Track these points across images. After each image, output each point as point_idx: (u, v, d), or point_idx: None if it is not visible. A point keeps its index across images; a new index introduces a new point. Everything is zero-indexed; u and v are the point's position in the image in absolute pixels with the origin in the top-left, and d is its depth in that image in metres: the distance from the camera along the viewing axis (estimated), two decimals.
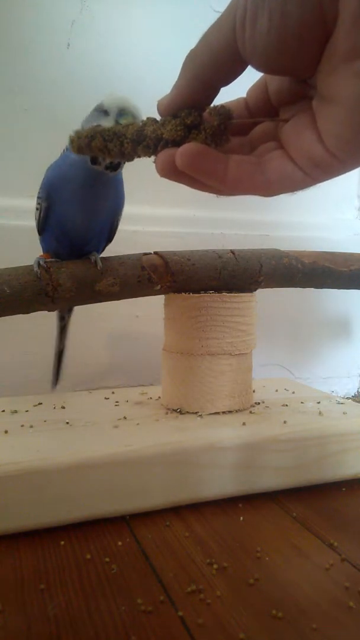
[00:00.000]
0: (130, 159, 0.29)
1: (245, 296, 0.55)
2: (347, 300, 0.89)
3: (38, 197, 0.53)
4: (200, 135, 0.26)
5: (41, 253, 0.54)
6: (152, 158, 0.28)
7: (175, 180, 0.27)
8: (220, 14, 0.24)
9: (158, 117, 0.28)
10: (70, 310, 0.62)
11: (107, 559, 0.39)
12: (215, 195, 0.28)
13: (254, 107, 0.29)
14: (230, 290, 0.56)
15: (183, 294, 0.55)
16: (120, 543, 0.41)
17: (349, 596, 0.35)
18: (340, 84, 0.22)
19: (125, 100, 0.46)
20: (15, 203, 0.68)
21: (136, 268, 0.53)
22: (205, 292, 0.55)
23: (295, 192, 0.27)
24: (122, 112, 0.45)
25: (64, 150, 0.51)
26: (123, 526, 0.44)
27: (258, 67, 0.24)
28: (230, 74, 0.25)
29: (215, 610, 0.34)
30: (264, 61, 0.23)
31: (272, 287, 0.60)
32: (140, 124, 0.28)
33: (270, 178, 0.26)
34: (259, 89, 0.29)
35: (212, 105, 0.27)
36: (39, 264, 0.50)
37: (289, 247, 0.61)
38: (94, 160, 0.47)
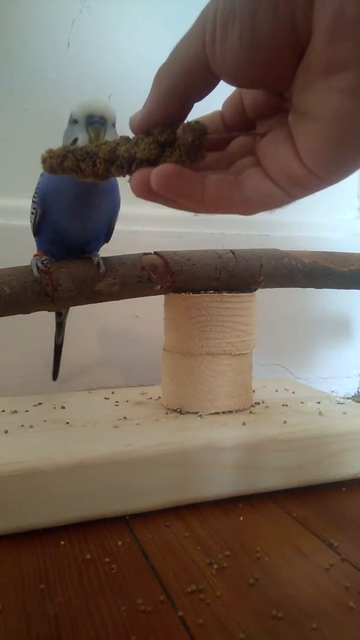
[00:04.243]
0: (104, 178, 0.28)
1: (245, 296, 0.55)
2: (347, 300, 0.89)
3: (33, 202, 0.52)
4: (174, 153, 0.26)
5: (36, 252, 0.54)
6: (128, 177, 0.27)
7: (152, 201, 0.26)
8: (191, 26, 0.23)
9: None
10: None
11: (107, 559, 0.39)
12: (193, 214, 0.28)
13: (230, 121, 0.28)
14: (230, 290, 0.56)
15: (183, 294, 0.55)
16: (120, 543, 0.41)
17: (349, 596, 0.35)
18: (316, 100, 0.21)
19: (91, 105, 0.45)
20: (15, 203, 0.68)
21: (136, 268, 0.53)
22: (205, 292, 0.55)
23: (274, 209, 0.26)
24: (90, 119, 0.44)
25: None
26: (123, 526, 0.44)
27: (230, 82, 0.24)
28: (203, 89, 0.24)
29: (215, 610, 0.34)
30: (235, 76, 0.23)
31: (272, 287, 0.60)
32: (114, 143, 0.27)
33: (249, 197, 0.25)
34: (235, 101, 0.28)
35: (186, 121, 0.26)
36: (37, 267, 0.50)
37: (289, 247, 0.61)
38: None
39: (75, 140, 0.45)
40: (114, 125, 0.46)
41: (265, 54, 0.21)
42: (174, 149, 0.26)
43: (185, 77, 0.24)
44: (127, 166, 0.27)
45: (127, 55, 0.75)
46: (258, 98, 0.26)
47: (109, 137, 0.45)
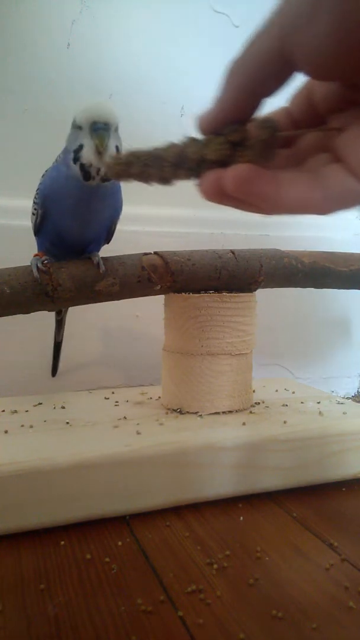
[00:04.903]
0: (170, 183, 0.27)
1: (245, 296, 0.55)
2: (347, 300, 0.89)
3: (34, 202, 0.52)
4: (246, 153, 0.24)
5: (36, 252, 0.54)
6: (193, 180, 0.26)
7: (223, 204, 0.25)
8: (267, 19, 0.22)
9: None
10: None
11: (107, 559, 0.39)
12: (265, 216, 0.26)
13: (299, 117, 0.27)
14: (230, 290, 0.56)
15: (183, 294, 0.55)
16: (120, 543, 0.41)
17: (349, 596, 0.35)
18: None
19: (94, 111, 0.45)
20: (15, 203, 0.68)
21: (136, 268, 0.53)
22: (205, 292, 0.55)
23: (355, 207, 0.25)
24: (94, 125, 0.44)
25: (57, 159, 0.51)
26: (123, 526, 0.44)
27: (311, 73, 0.23)
28: (278, 83, 0.23)
29: (215, 610, 0.34)
30: (319, 67, 0.22)
31: (272, 287, 0.60)
32: (181, 145, 0.26)
33: (330, 195, 0.24)
34: (303, 96, 0.27)
35: (255, 118, 0.25)
36: (37, 267, 0.50)
37: (289, 247, 0.61)
38: (87, 176, 0.46)
39: (81, 146, 0.46)
40: (116, 129, 0.46)
41: (353, 43, 0.20)
42: (245, 148, 0.24)
43: (261, 72, 0.23)
44: (196, 169, 0.25)
45: (127, 55, 0.74)
46: (330, 91, 0.25)
47: (112, 141, 0.45)
